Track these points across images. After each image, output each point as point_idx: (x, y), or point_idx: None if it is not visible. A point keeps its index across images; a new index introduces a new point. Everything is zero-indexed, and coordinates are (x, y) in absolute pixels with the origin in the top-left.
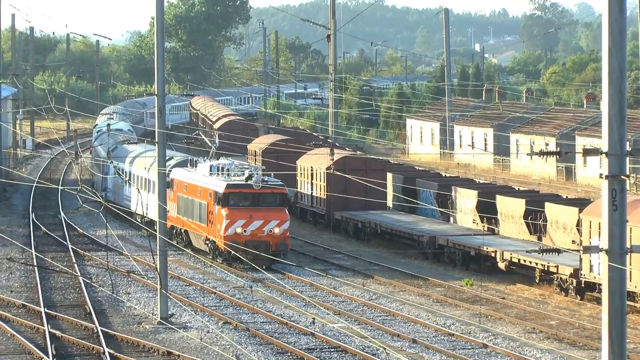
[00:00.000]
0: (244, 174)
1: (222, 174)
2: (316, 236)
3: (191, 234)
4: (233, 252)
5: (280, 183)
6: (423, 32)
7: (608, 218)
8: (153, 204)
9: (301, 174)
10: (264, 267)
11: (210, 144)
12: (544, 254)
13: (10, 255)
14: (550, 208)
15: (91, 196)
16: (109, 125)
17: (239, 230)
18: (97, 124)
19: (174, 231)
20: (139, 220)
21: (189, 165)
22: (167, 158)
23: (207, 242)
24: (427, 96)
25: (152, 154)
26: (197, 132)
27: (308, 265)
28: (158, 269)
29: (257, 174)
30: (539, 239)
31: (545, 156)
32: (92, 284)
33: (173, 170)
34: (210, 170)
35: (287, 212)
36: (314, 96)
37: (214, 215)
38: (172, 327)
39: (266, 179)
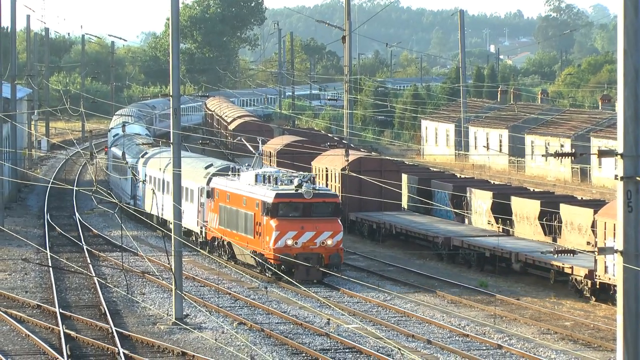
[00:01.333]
0: (292, 182)
1: (269, 182)
2: None
3: (235, 246)
4: (284, 265)
5: (332, 192)
6: (438, 33)
7: (623, 219)
8: (189, 213)
9: (316, 175)
10: (314, 281)
11: (253, 151)
12: (559, 255)
13: (26, 256)
14: (565, 209)
15: (106, 197)
16: (124, 125)
17: (289, 242)
18: (111, 128)
19: (216, 243)
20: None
21: (230, 173)
22: (206, 165)
23: (254, 255)
24: (442, 97)
25: (187, 161)
26: (240, 138)
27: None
28: (173, 270)
29: (306, 182)
30: (554, 240)
31: (560, 157)
32: (107, 284)
33: (214, 179)
34: (256, 178)
35: (340, 222)
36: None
37: (262, 226)
38: (187, 327)
39: (317, 187)
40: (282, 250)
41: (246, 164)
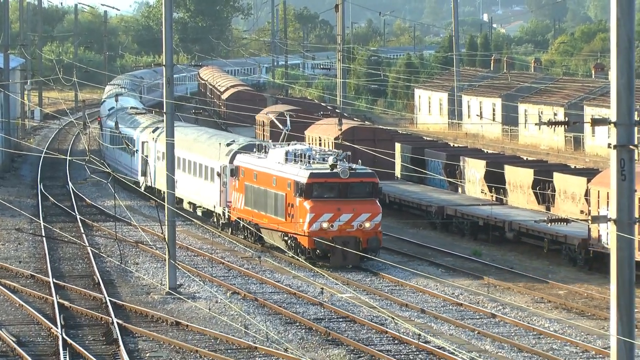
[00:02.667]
0: (326, 160)
1: (301, 161)
2: None
3: (263, 228)
4: (319, 250)
5: (370, 171)
6: (431, 2)
7: (616, 188)
8: (209, 193)
9: (309, 144)
10: (350, 266)
11: (281, 127)
12: (553, 223)
13: (19, 226)
14: (558, 178)
15: (99, 166)
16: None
17: (325, 225)
18: (104, 100)
19: (241, 225)
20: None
21: (255, 150)
22: (228, 142)
23: (286, 238)
24: (435, 66)
25: (203, 137)
26: (268, 113)
27: None
28: (166, 239)
29: (341, 160)
30: (547, 209)
31: (553, 126)
32: (101, 254)
33: (238, 156)
34: (287, 156)
35: (378, 203)
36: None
37: (295, 208)
38: (181, 297)
39: (354, 166)
40: (317, 234)
41: (273, 143)
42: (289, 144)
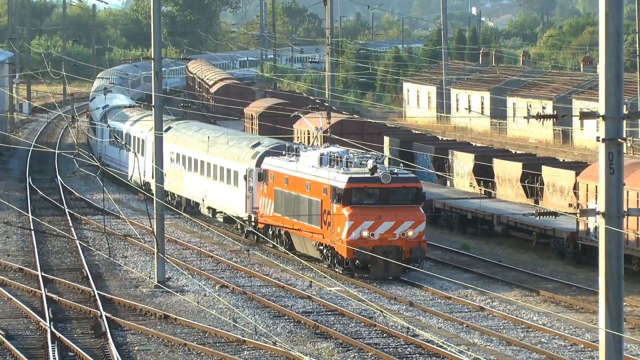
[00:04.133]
0: (364, 164)
1: (337, 165)
2: None
3: (295, 236)
4: (358, 260)
5: (413, 175)
6: None
7: (605, 181)
8: (234, 198)
9: (298, 137)
10: (390, 277)
11: (312, 127)
12: (541, 217)
13: (7, 219)
14: (547, 171)
15: (87, 160)
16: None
17: (365, 233)
18: (92, 91)
19: (270, 232)
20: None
21: (285, 152)
22: (252, 144)
23: (321, 247)
24: (423, 60)
25: (222, 140)
26: (296, 113)
27: None
28: (155, 233)
29: (382, 164)
30: (536, 202)
31: (542, 120)
32: (89, 247)
33: (266, 159)
34: (321, 160)
35: (422, 210)
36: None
37: (332, 215)
38: (169, 290)
39: (395, 169)
40: (356, 243)
41: (304, 145)
42: (321, 147)
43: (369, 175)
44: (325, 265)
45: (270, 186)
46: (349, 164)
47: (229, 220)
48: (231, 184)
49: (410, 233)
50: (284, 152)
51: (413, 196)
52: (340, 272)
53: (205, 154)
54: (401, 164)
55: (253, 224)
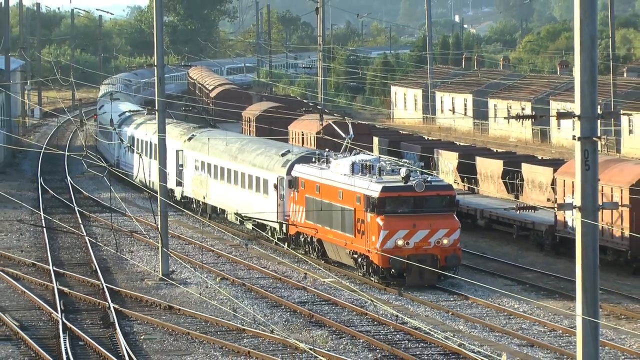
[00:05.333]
0: (396, 172)
1: (370, 173)
2: None
3: (327, 244)
4: (394, 269)
5: (446, 183)
6: (406, 4)
7: (581, 177)
8: (265, 206)
9: (292, 138)
10: (426, 285)
11: (343, 135)
12: (521, 211)
13: (21, 217)
14: (526, 168)
15: (95, 161)
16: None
17: (400, 242)
18: (100, 97)
19: (302, 239)
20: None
21: (315, 160)
22: (282, 152)
23: (355, 255)
24: (410, 65)
25: (250, 147)
26: (329, 122)
27: None
28: (159, 229)
29: (414, 171)
30: (516, 197)
31: (521, 120)
32: (98, 243)
33: (296, 167)
34: (353, 168)
35: (456, 218)
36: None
37: (366, 224)
38: (173, 283)
39: (428, 177)
40: (391, 252)
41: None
42: (351, 154)
43: (402, 184)
44: (359, 274)
45: (301, 194)
46: (381, 173)
47: (258, 226)
48: (260, 192)
49: (445, 241)
50: (313, 160)
51: (447, 204)
52: (376, 280)
53: (233, 162)
54: (434, 172)
55: (285, 231)
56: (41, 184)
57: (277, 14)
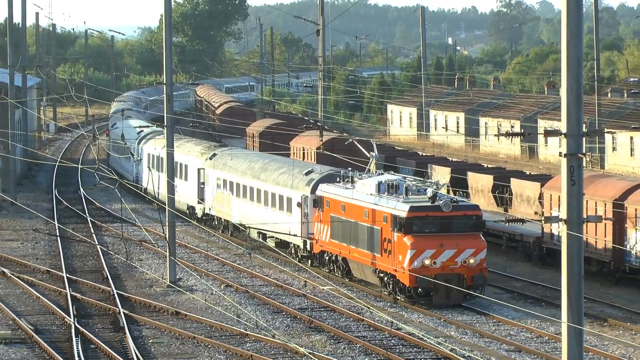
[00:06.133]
0: (422, 191)
1: (396, 193)
2: None
3: (352, 262)
4: (421, 288)
5: (473, 203)
6: (402, 27)
7: (567, 191)
8: (288, 224)
9: (294, 153)
10: (452, 304)
11: (367, 154)
12: (510, 223)
13: (36, 227)
14: (515, 183)
15: (107, 174)
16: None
17: (427, 262)
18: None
19: (326, 258)
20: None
21: (339, 180)
22: (305, 171)
23: (381, 274)
24: (405, 84)
25: (273, 166)
26: (351, 140)
27: None
28: (167, 238)
29: (440, 192)
30: (505, 210)
31: (510, 137)
32: (109, 251)
33: (321, 186)
34: (379, 188)
35: (482, 238)
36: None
37: (393, 243)
38: (180, 289)
39: (455, 198)
40: (418, 271)
41: (351, 170)
42: (375, 174)
43: (429, 204)
44: (385, 293)
45: (326, 213)
46: (408, 192)
47: (280, 244)
48: (284, 210)
49: (471, 261)
50: (337, 179)
51: (473, 224)
52: (403, 300)
53: (256, 180)
54: (460, 192)
55: (308, 249)
56: (56, 195)
57: (280, 36)
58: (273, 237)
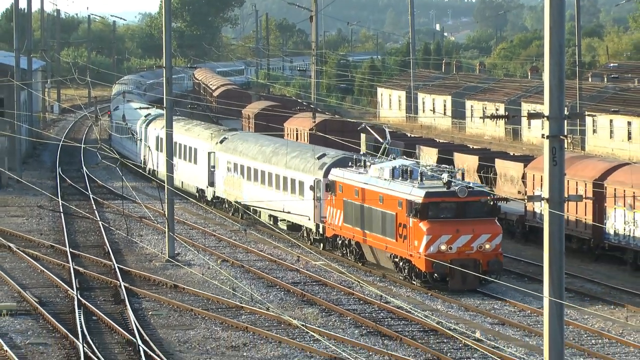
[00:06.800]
0: (436, 177)
1: (410, 178)
2: None
3: (366, 247)
4: (437, 273)
5: (488, 189)
6: (392, 14)
7: (549, 172)
8: (300, 207)
9: (288, 134)
10: (466, 290)
11: (380, 140)
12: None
13: (40, 204)
14: (499, 163)
15: (109, 153)
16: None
17: (443, 247)
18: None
19: (339, 242)
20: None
21: (352, 164)
22: (318, 155)
23: (396, 259)
24: (395, 69)
25: (282, 151)
26: (364, 125)
27: None
28: (166, 215)
29: (455, 177)
30: (490, 189)
31: (495, 119)
32: (110, 227)
33: (333, 170)
34: (393, 173)
35: (498, 223)
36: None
37: (408, 229)
38: (178, 264)
39: (470, 183)
40: (435, 256)
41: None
42: (388, 159)
43: (445, 190)
44: (400, 277)
45: (339, 197)
46: (422, 178)
47: (292, 227)
48: (296, 193)
49: (487, 246)
50: (350, 164)
51: (489, 209)
52: (418, 284)
53: (267, 164)
54: (479, 179)
55: (321, 232)
56: (59, 173)
57: (275, 22)
58: (284, 220)
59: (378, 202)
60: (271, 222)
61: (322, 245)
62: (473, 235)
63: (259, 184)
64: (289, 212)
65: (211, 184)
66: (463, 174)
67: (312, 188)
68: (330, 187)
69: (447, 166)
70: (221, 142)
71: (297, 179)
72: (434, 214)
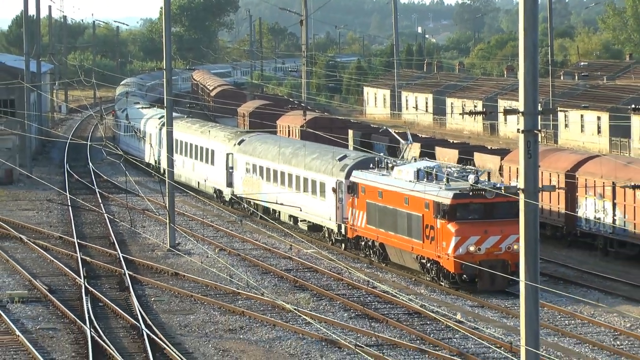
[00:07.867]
0: (462, 178)
1: (436, 180)
2: None
3: (390, 248)
4: (466, 274)
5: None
6: (377, 17)
7: (524, 164)
8: (320, 208)
9: (280, 131)
10: (494, 290)
11: (402, 141)
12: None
13: (50, 198)
14: (478, 157)
15: (113, 150)
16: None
17: (471, 248)
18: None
19: (362, 243)
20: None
21: (373, 166)
22: (339, 157)
23: (423, 260)
24: (380, 69)
25: (302, 152)
26: (384, 127)
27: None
28: (167, 207)
29: (480, 178)
30: None
31: (474, 115)
32: (115, 219)
33: (355, 172)
34: (418, 175)
35: None
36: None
37: (436, 230)
38: (179, 253)
39: (497, 184)
40: (463, 258)
41: (385, 157)
42: (409, 160)
43: (473, 191)
44: (427, 278)
45: (361, 199)
46: (449, 179)
47: (313, 228)
48: (317, 195)
49: (515, 246)
50: (371, 165)
51: (516, 210)
52: (447, 285)
53: (287, 165)
54: (501, 181)
55: (343, 233)
56: (67, 169)
57: (268, 26)
58: (305, 220)
59: (403, 204)
60: (291, 222)
61: (343, 245)
62: (501, 236)
63: (278, 185)
64: (310, 213)
65: (229, 184)
66: (489, 175)
67: (334, 190)
68: (353, 188)
69: (473, 167)
70: (239, 143)
71: (318, 180)
72: (462, 215)
